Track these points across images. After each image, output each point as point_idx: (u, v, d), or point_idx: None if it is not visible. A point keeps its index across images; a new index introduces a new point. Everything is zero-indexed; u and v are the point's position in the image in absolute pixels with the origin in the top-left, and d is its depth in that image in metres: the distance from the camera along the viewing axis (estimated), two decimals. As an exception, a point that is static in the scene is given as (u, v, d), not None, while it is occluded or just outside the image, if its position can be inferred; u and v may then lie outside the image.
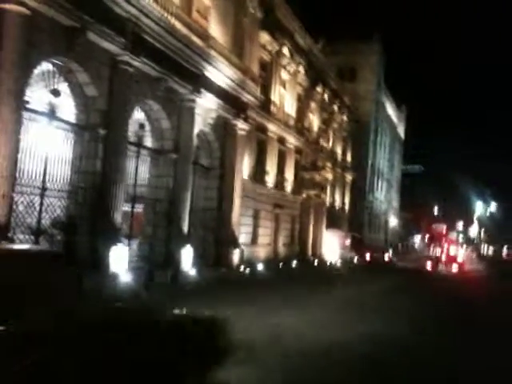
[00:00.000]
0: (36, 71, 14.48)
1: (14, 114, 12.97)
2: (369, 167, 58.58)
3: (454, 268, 36.67)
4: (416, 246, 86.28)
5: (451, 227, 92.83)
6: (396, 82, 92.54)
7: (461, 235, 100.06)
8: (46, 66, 15.02)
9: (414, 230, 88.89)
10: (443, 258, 44.25)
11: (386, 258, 43.82)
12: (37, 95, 14.62)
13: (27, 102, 13.85)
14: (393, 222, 75.34)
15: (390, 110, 70.73)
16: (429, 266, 37.41)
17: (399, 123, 79.58)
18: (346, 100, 50.30)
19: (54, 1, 13.81)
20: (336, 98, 46.71)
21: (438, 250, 56.37)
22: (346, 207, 52.65)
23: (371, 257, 42.00)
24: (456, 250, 53.07)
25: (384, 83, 63.61)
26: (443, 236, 76.88)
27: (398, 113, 77.73)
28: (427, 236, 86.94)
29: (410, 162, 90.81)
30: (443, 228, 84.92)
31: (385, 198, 70.00)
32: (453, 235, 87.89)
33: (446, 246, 57.20)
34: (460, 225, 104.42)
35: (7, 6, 12.64)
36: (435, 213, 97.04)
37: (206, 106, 22.59)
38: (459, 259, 42.25)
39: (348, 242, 45.33)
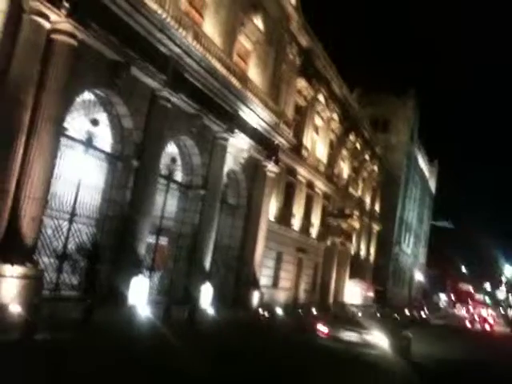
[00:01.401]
0: (78, 100, 14.96)
1: (52, 139, 13.34)
2: (397, 219, 57.82)
3: (487, 327, 41.04)
4: (440, 303, 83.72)
5: (478, 287, 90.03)
6: (430, 136, 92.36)
7: (487, 297, 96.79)
8: (87, 96, 15.51)
9: (439, 287, 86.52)
10: (476, 318, 47.11)
11: (423, 315, 42.74)
12: (76, 123, 15.05)
13: (66, 129, 14.27)
14: (418, 277, 73.56)
15: (422, 163, 70.29)
16: (468, 324, 42.78)
17: (430, 177, 78.86)
18: (377, 150, 50.29)
19: (101, 35, 14.41)
20: (368, 148, 46.75)
21: (466, 309, 55.09)
22: (371, 258, 51.76)
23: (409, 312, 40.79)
24: (485, 312, 53.87)
25: (417, 137, 63.50)
26: (470, 296, 74.48)
27: (430, 167, 77.19)
28: (453, 295, 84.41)
29: (440, 218, 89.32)
30: (470, 288, 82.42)
31: (411, 252, 68.66)
32: (480, 296, 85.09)
33: (473, 306, 55.94)
34: (487, 286, 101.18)
35: (57, 37, 13.21)
36: (462, 271, 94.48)
37: (238, 146, 22.87)
38: (490, 320, 44.90)
39: (371, 293, 44.33)
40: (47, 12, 12.69)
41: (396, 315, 36.00)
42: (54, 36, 13.18)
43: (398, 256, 60.56)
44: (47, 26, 12.89)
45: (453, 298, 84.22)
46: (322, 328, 19.64)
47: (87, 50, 14.31)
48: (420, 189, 70.51)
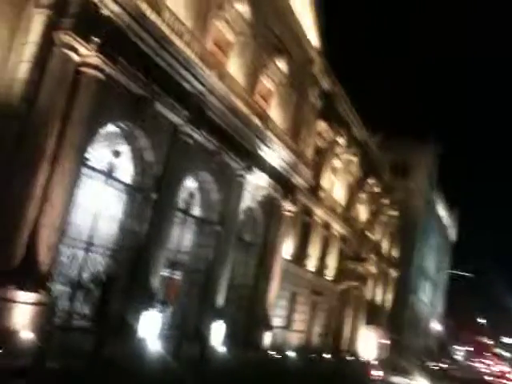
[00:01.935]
0: (101, 131, 15.30)
1: (74, 168, 13.60)
2: (415, 266, 56.77)
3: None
4: (457, 355, 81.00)
5: (495, 340, 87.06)
6: (450, 182, 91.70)
7: (504, 351, 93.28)
8: (111, 128, 15.85)
9: (455, 338, 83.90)
10: (495, 372, 49.02)
11: (444, 366, 42.12)
12: (98, 153, 15.34)
13: (88, 159, 14.54)
14: (435, 327, 71.57)
15: (442, 210, 69.51)
16: (488, 378, 45.89)
17: (450, 225, 77.76)
18: (396, 195, 49.98)
19: (128, 70, 14.86)
20: (387, 192, 46.50)
21: (483, 362, 53.65)
22: (387, 304, 50.62)
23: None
24: (504, 367, 53.04)
25: (437, 183, 63.11)
26: (487, 349, 72.05)
27: (450, 214, 76.20)
28: (470, 346, 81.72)
29: (459, 266, 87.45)
30: (488, 340, 79.76)
31: (428, 301, 67.08)
32: (499, 350, 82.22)
33: (490, 359, 54.42)
34: (507, 340, 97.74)
35: (85, 70, 13.65)
36: (480, 322, 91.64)
37: (256, 184, 22.98)
38: (509, 375, 46.52)
39: (386, 341, 43.17)
40: (77, 46, 13.18)
41: (427, 364, 36.18)
42: (82, 69, 13.62)
43: (415, 304, 59.16)
44: (76, 58, 13.36)
45: (470, 349, 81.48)
46: (377, 372, 22.09)
47: (113, 84, 14.73)
48: (439, 236, 69.49)
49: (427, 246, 62.16)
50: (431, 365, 37.26)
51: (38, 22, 12.92)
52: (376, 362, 31.92)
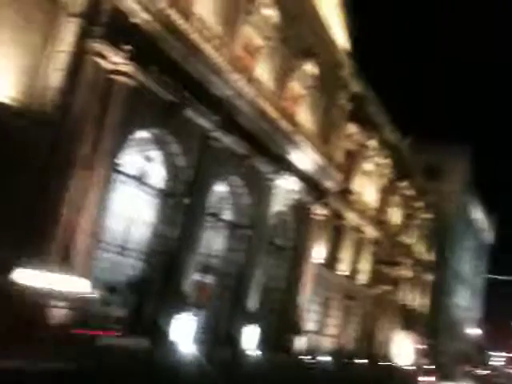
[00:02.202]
0: (133, 137, 15.55)
1: (107, 175, 13.87)
2: (450, 270, 55.55)
3: None
4: (495, 361, 78.66)
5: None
6: (485, 186, 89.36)
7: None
8: (142, 134, 16.10)
9: (493, 344, 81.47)
10: None
11: (484, 372, 40.89)
12: (130, 159, 15.60)
13: (120, 165, 14.80)
14: (471, 332, 69.76)
15: (478, 214, 67.83)
16: None
17: (487, 229, 75.78)
18: (430, 198, 49.07)
19: (159, 77, 15.08)
20: (420, 195, 45.69)
21: None
22: (422, 309, 49.66)
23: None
24: None
25: (473, 186, 61.66)
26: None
27: (487, 218, 74.27)
28: (509, 353, 79.29)
29: (496, 271, 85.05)
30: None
31: (465, 305, 65.48)
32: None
33: None
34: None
35: (117, 77, 13.92)
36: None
37: (286, 187, 22.92)
38: None
39: (422, 347, 42.33)
40: (108, 54, 13.44)
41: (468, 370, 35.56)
42: (114, 76, 13.87)
43: (451, 308, 57.83)
44: (108, 66, 13.63)
45: (509, 355, 79.08)
46: (428, 378, 23.10)
47: (144, 91, 14.96)
48: (474, 239, 67.84)
49: (462, 249, 60.75)
50: (472, 370, 36.30)
51: (70, 31, 13.21)
52: (424, 367, 31.18)
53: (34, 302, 11.80)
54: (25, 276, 11.62)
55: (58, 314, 12.39)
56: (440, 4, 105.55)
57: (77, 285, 12.58)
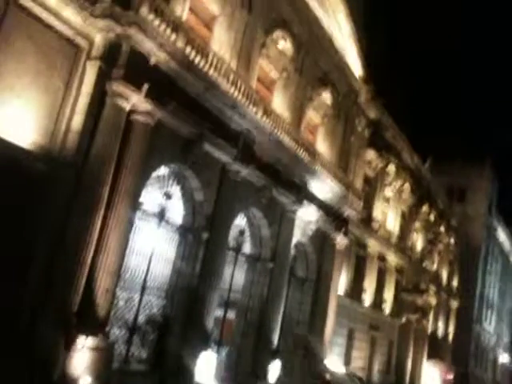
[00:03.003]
0: (153, 174, 15.56)
1: (129, 214, 13.84)
2: (477, 295, 54.11)
3: None
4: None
5: None
6: (510, 207, 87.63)
7: None
8: (162, 170, 16.12)
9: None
10: None
11: None
12: (150, 196, 15.58)
13: (141, 203, 14.78)
14: (503, 359, 67.50)
15: (503, 236, 66.36)
16: None
17: (512, 250, 74.01)
18: (453, 222, 48.24)
19: (177, 114, 15.17)
20: (443, 219, 44.99)
21: None
22: (450, 337, 48.31)
23: None
24: None
25: (496, 208, 60.49)
26: None
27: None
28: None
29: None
30: None
31: (494, 331, 63.55)
32: None
33: None
34: None
35: (137, 117, 14.03)
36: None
37: (306, 217, 22.68)
38: None
39: (451, 376, 40.98)
40: (128, 94, 13.58)
41: None
42: (134, 116, 14.01)
43: (480, 335, 56.17)
44: (128, 106, 13.75)
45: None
46: None
47: (163, 128, 15.05)
48: (501, 263, 66.19)
49: (489, 273, 59.28)
50: None
51: (90, 73, 13.43)
52: None
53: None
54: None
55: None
56: (465, 30, 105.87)
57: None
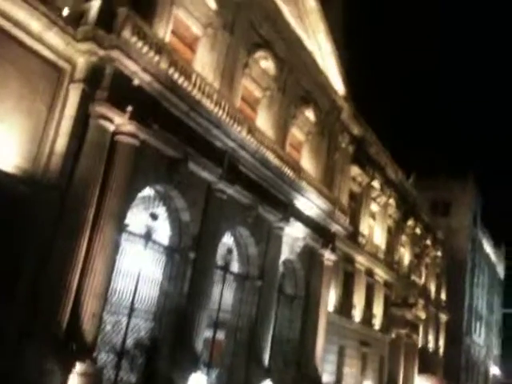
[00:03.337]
0: (139, 195, 15.50)
1: (114, 236, 13.73)
2: (465, 307, 54.33)
3: None
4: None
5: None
6: (494, 219, 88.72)
7: None
8: (147, 191, 16.07)
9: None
10: None
11: None
12: (136, 217, 15.50)
13: (127, 225, 14.68)
14: (493, 370, 67.54)
15: (488, 247, 67.01)
16: None
17: (498, 262, 74.69)
18: (439, 235, 48.60)
19: (161, 134, 15.20)
20: (429, 233, 45.31)
21: None
22: (441, 350, 48.28)
23: None
24: None
25: (481, 219, 61.15)
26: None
27: (497, 251, 73.32)
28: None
29: (510, 305, 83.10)
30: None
31: (484, 343, 63.69)
32: None
33: None
34: None
35: (121, 138, 14.03)
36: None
37: (293, 235, 22.70)
38: None
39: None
40: (112, 116, 13.60)
41: None
42: (118, 137, 14.01)
43: (470, 348, 56.25)
44: (112, 128, 13.76)
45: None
46: None
47: (148, 148, 15.06)
48: (487, 274, 66.71)
49: (476, 285, 59.66)
50: None
51: (73, 96, 13.44)
52: None
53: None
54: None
55: None
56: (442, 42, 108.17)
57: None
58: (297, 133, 24.73)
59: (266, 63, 21.57)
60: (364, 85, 38.15)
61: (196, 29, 18.29)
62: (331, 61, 25.78)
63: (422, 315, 38.49)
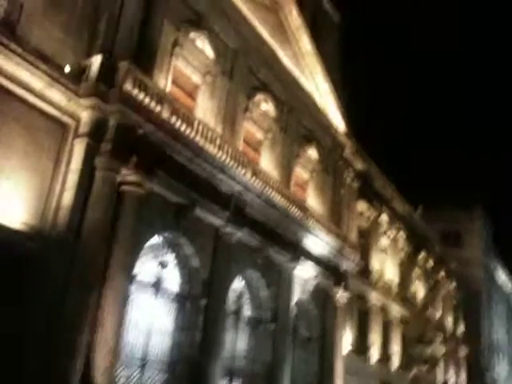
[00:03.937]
0: (147, 244, 15.43)
1: (124, 287, 13.61)
2: (485, 340, 52.86)
3: None
4: None
5: None
6: (507, 247, 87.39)
7: None
8: (155, 239, 16.00)
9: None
10: None
11: None
12: (144, 266, 15.37)
13: (136, 275, 14.55)
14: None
15: (503, 277, 65.76)
16: None
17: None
18: (452, 266, 47.88)
19: (167, 182, 15.28)
20: (441, 264, 44.66)
21: None
22: (463, 386, 46.75)
23: None
24: None
25: (493, 248, 60.30)
26: None
27: (510, 279, 71.90)
28: None
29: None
30: None
31: (508, 377, 61.60)
32: None
33: None
34: None
35: (127, 188, 14.09)
36: None
37: (304, 274, 22.41)
38: None
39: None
40: (117, 167, 13.72)
41: None
42: (123, 187, 14.09)
43: (494, 381, 54.38)
44: (117, 179, 13.85)
45: None
46: None
47: (154, 196, 15.12)
48: (504, 304, 65.23)
49: (494, 315, 58.25)
50: None
51: (78, 150, 13.60)
52: None
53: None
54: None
55: None
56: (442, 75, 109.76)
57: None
58: (301, 171, 24.81)
59: (266, 106, 21.89)
60: (365, 121, 38.56)
61: (195, 77, 18.67)
62: (330, 100, 26.12)
63: (441, 350, 37.50)
